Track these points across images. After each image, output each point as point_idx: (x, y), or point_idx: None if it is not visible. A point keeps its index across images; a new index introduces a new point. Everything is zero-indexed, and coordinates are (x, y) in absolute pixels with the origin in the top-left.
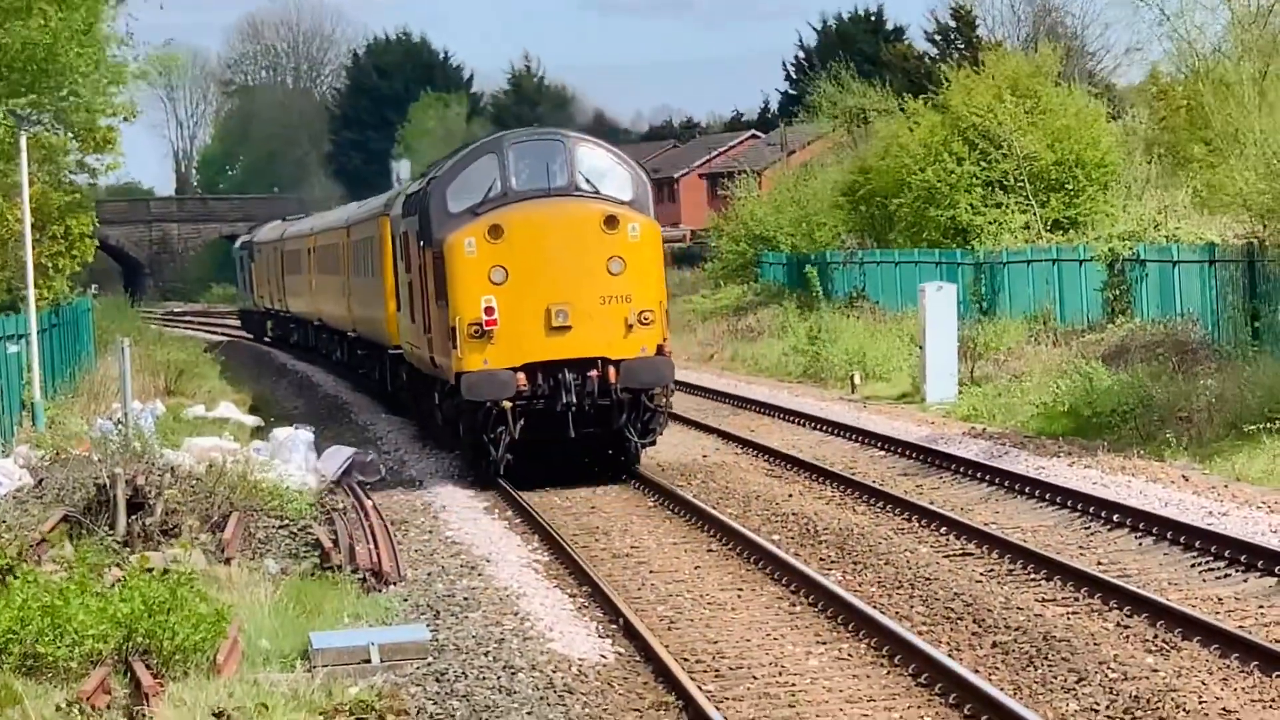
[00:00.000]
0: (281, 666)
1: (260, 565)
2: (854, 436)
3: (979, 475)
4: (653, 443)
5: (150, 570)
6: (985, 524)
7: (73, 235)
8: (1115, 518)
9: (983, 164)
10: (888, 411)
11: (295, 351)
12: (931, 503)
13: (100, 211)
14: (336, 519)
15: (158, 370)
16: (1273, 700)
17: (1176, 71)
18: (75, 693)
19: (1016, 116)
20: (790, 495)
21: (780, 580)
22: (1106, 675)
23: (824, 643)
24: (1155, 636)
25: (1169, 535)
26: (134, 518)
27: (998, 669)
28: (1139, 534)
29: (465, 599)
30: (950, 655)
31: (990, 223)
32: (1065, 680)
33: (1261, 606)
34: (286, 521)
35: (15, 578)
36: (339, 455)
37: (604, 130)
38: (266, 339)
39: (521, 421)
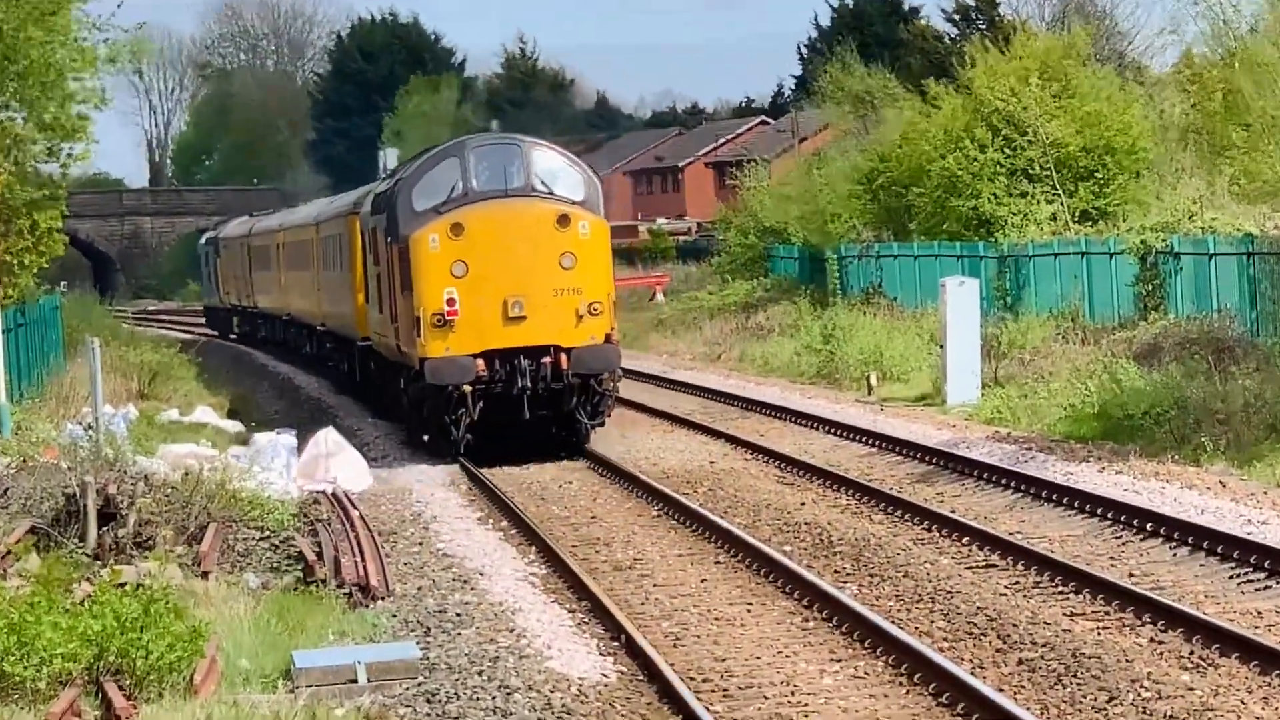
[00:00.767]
0: (262, 687)
1: (240, 579)
2: (870, 441)
3: (1003, 482)
4: (601, 424)
5: (123, 585)
6: (1010, 533)
7: (40, 229)
8: (1148, 526)
9: (1007, 151)
10: (906, 414)
11: (275, 351)
12: (953, 511)
13: (69, 204)
14: (321, 530)
15: (130, 372)
16: None
17: (1211, 53)
18: (43, 715)
19: (1043, 101)
20: (803, 504)
21: (792, 594)
22: (1139, 694)
23: (839, 660)
24: (1191, 653)
25: (1205, 545)
26: (105, 529)
27: (1024, 688)
28: (1173, 544)
29: (457, 615)
30: (973, 673)
31: (1015, 213)
32: (1096, 700)
33: None
34: (268, 533)
35: None
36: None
37: (606, 116)
38: (232, 335)
39: (480, 404)
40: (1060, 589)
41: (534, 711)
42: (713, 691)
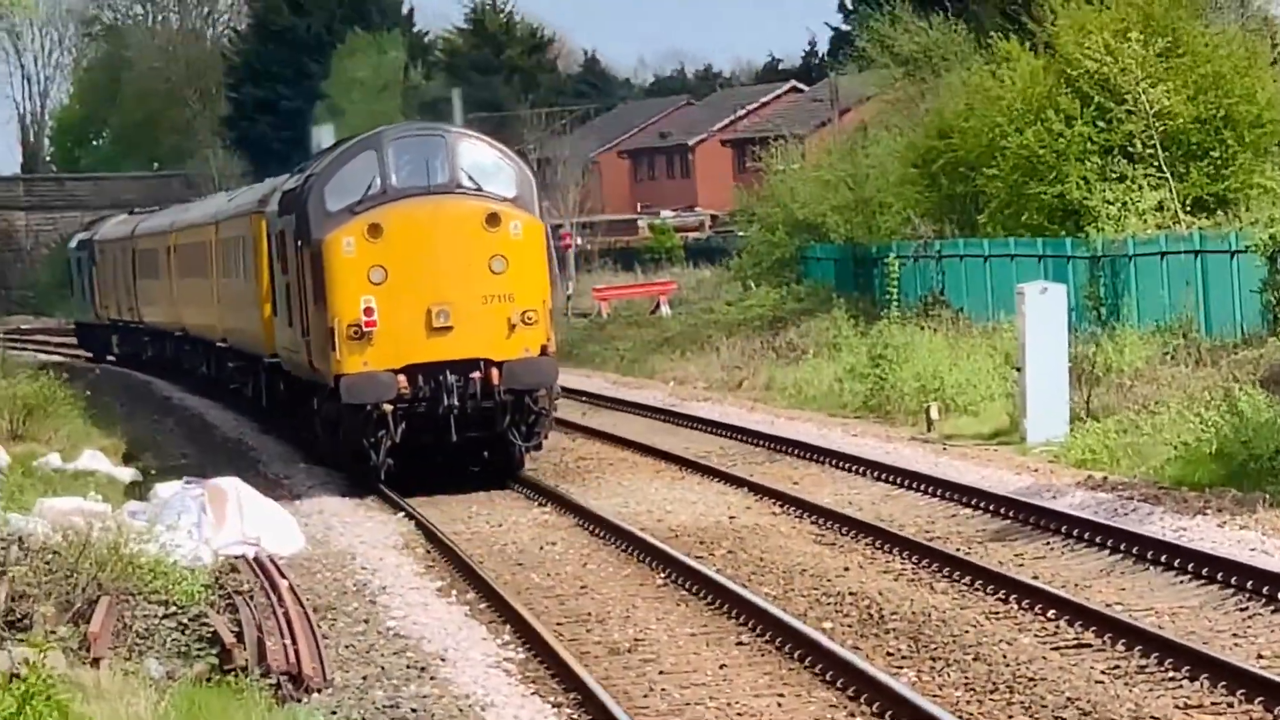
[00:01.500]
0: None
1: (140, 667)
2: (931, 489)
3: (1098, 540)
4: (538, 446)
5: None
6: (1107, 605)
7: None
8: None
9: (1100, 124)
10: (975, 455)
11: (179, 380)
12: (1035, 577)
13: None
14: (240, 604)
15: None
16: None
17: None
18: None
19: (1146, 61)
20: (846, 569)
21: (834, 682)
22: None
23: None
24: None
25: None
26: None
27: None
28: None
29: (413, 710)
30: None
31: (1111, 202)
32: None
33: None
34: (174, 608)
35: None
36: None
37: (596, 82)
38: (111, 357)
39: (403, 425)
40: (1171, 675)
41: None
42: None
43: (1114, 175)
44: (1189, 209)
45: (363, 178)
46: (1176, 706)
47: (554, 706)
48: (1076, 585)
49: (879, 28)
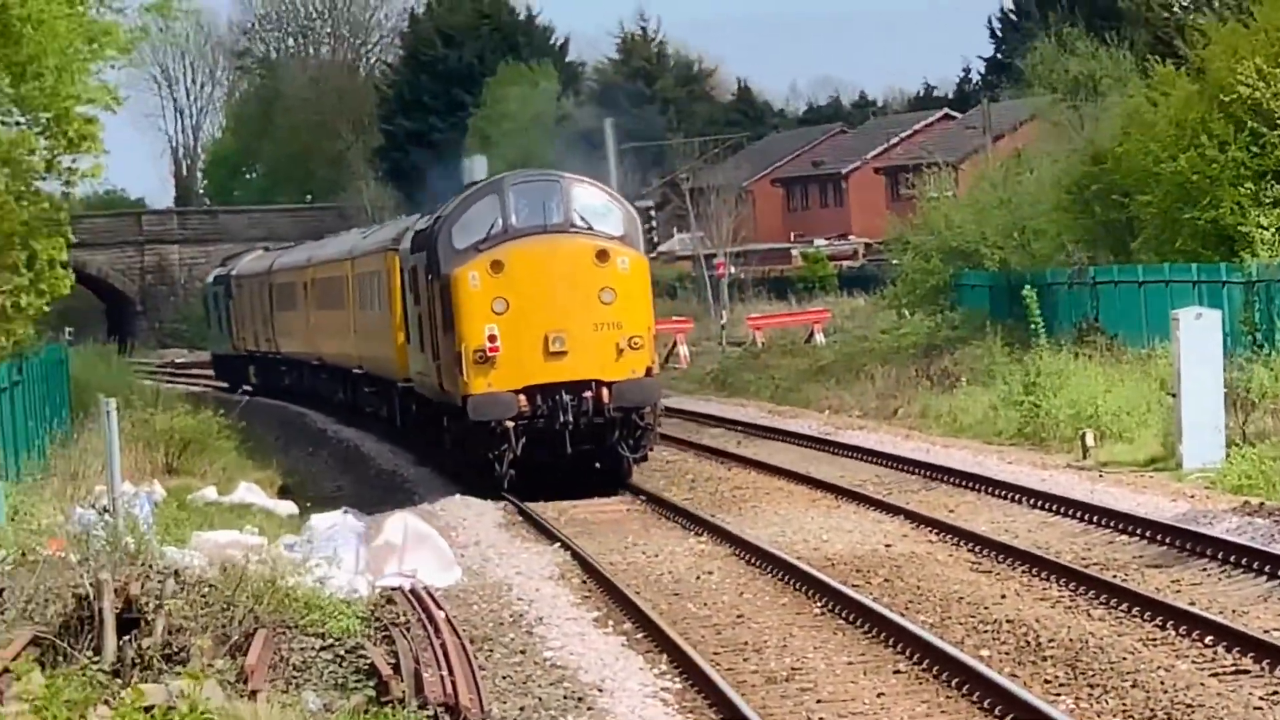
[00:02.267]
0: None
1: (296, 699)
2: (1086, 516)
3: (1257, 566)
4: (644, 458)
5: (149, 708)
6: (1265, 631)
7: (40, 263)
8: None
9: (1254, 149)
10: (1131, 482)
11: (333, 412)
12: (1192, 603)
13: (76, 231)
14: (397, 636)
15: (156, 442)
16: None
17: None
18: None
19: None
20: (1003, 596)
21: (992, 709)
22: None
23: None
24: None
25: None
26: (126, 639)
27: None
28: None
29: None
30: None
31: (1265, 227)
32: None
33: None
34: (330, 641)
35: None
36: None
37: (748, 111)
38: (247, 388)
39: (523, 440)
40: None
41: None
42: None
43: (1268, 200)
44: None
45: (486, 219)
46: None
47: None
48: (1234, 611)
49: (1046, 50)
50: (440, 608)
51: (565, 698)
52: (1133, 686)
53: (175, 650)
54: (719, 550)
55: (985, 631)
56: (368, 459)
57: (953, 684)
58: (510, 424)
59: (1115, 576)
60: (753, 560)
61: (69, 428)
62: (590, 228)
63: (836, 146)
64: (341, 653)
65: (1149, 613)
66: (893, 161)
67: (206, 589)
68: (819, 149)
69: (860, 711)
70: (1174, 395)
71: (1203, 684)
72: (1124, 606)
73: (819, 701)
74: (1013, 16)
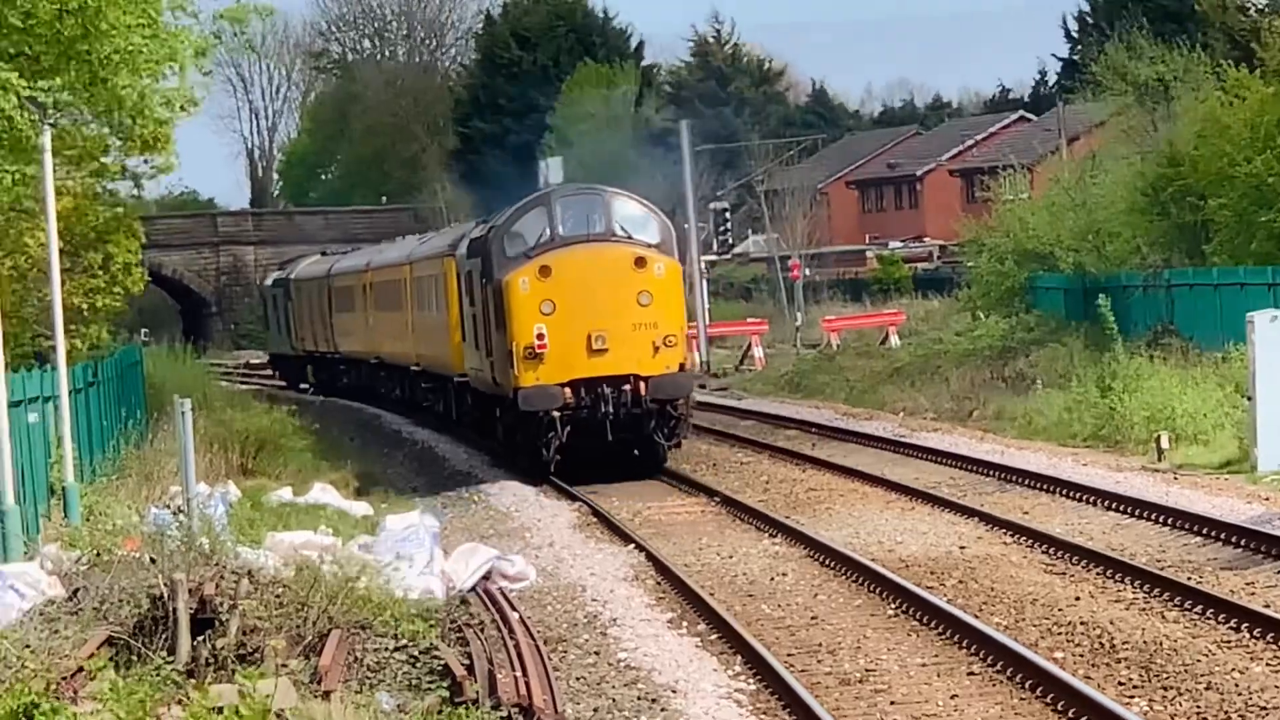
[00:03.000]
0: None
1: (371, 700)
2: (1161, 518)
3: None
4: (678, 445)
5: (222, 709)
6: None
7: (115, 264)
8: None
9: None
10: (1206, 484)
11: (407, 413)
12: (1267, 605)
13: (150, 232)
14: (471, 637)
15: (230, 442)
16: None
17: None
18: None
19: None
20: (1077, 598)
21: (1066, 711)
22: None
23: None
24: None
25: None
26: (200, 639)
27: None
28: None
29: None
30: None
31: None
32: None
33: None
34: (404, 642)
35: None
36: (475, 556)
37: (824, 112)
38: (305, 385)
39: (568, 429)
40: None
41: None
42: None
43: None
44: None
45: (535, 228)
46: None
47: None
48: None
49: (1115, 54)
50: (515, 609)
51: (639, 699)
52: (1206, 689)
53: (250, 651)
54: (793, 552)
55: (1059, 633)
56: (442, 460)
57: (1026, 686)
58: (556, 414)
59: (1189, 579)
60: (827, 562)
61: (144, 428)
62: (630, 236)
63: (911, 148)
64: (415, 653)
65: (1223, 615)
66: (968, 163)
67: (281, 589)
68: (894, 151)
69: (934, 713)
70: (1249, 398)
71: (1277, 686)
72: (1198, 609)
73: (893, 703)
74: (1088, 18)
